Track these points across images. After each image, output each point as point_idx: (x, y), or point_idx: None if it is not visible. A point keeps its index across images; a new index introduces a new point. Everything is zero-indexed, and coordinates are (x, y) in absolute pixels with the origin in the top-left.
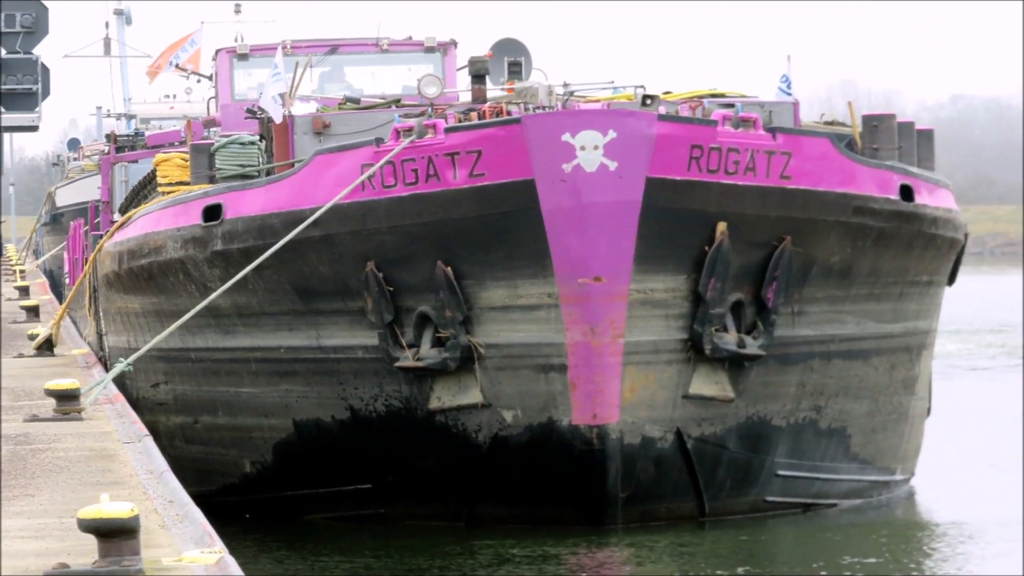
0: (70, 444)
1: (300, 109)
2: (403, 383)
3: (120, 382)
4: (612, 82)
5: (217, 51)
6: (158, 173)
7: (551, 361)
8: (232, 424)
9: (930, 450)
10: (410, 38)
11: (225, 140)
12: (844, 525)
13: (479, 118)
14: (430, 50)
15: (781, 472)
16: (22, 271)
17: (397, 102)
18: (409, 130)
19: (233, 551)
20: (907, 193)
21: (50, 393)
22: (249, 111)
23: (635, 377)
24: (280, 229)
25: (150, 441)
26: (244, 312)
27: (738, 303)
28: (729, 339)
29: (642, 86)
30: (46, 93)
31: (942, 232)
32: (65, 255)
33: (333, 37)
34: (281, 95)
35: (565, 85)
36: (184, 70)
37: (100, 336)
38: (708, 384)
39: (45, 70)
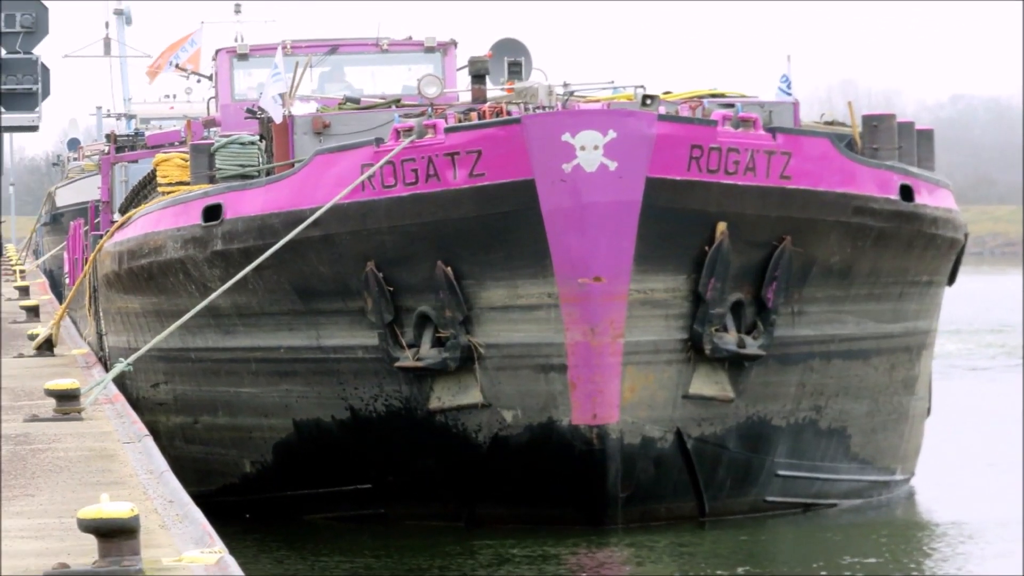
0: (70, 444)
1: (300, 109)
2: (403, 383)
3: (120, 382)
4: (612, 82)
5: (217, 51)
6: (158, 173)
7: (551, 361)
8: (232, 424)
9: (930, 450)
10: (410, 38)
11: (225, 140)
12: (844, 525)
13: (479, 118)
14: (430, 50)
15: (781, 472)
16: (22, 271)
17: (397, 102)
18: (409, 130)
19: (233, 551)
20: (907, 193)
21: (50, 393)
22: (249, 111)
23: (635, 377)
24: (280, 229)
25: (150, 441)
26: (244, 312)
27: (738, 303)
28: (729, 339)
29: (642, 86)
30: (46, 93)
31: (942, 232)
32: (65, 255)
33: (333, 37)
34: (281, 95)
35: (565, 85)
36: (184, 70)
37: (100, 336)
38: (708, 384)
39: (45, 70)
